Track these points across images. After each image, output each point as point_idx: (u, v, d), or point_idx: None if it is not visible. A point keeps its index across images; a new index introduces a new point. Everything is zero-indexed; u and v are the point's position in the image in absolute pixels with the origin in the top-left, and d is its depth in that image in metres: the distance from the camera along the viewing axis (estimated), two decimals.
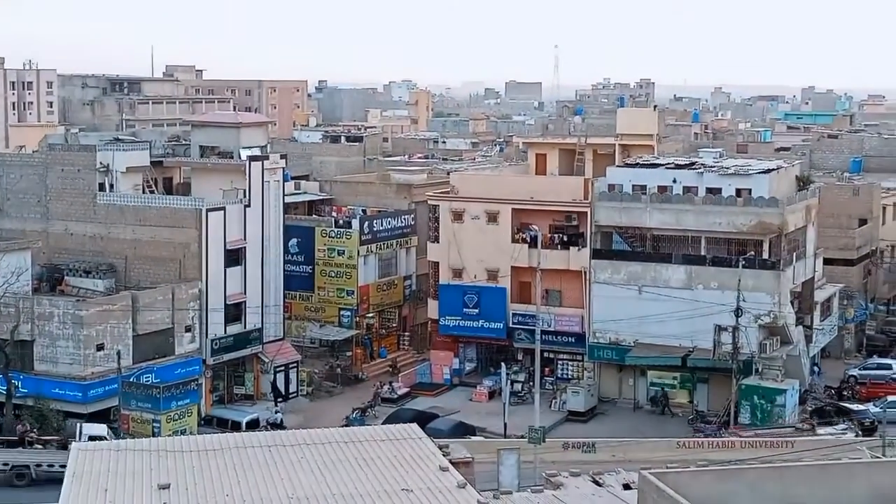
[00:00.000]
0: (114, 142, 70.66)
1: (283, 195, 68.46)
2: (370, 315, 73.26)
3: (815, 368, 69.18)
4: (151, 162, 67.46)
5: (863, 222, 79.88)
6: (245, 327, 64.27)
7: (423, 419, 52.01)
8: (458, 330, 69.08)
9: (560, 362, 67.82)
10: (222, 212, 62.68)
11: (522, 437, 51.99)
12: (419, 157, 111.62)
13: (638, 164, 70.22)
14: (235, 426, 56.11)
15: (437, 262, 70.33)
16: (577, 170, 77.93)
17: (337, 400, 66.21)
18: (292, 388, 65.98)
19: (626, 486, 32.87)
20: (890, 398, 61.47)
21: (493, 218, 68.58)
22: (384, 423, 51.19)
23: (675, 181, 65.53)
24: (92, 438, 48.99)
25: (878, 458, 37.11)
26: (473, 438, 53.63)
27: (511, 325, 67.82)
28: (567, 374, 67.41)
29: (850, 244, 78.18)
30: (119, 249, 63.15)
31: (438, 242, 70.28)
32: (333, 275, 72.75)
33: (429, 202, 72.05)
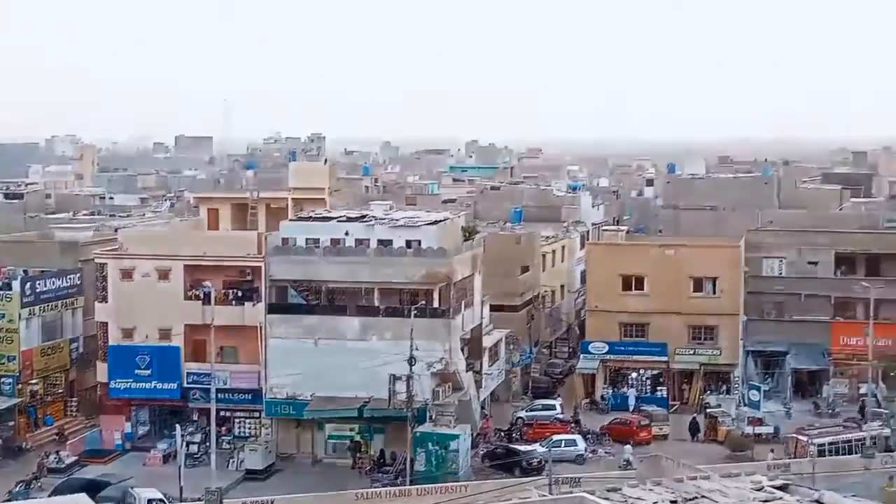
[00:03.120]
0: None
1: None
2: (34, 381, 69.49)
3: (485, 412, 71.62)
4: None
5: (525, 269, 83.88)
6: None
7: (93, 488, 49.76)
8: (130, 392, 66.71)
9: (237, 420, 66.82)
10: None
11: (199, 499, 50.77)
12: (85, 214, 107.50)
13: (311, 217, 70.80)
14: None
15: (106, 323, 67.78)
16: (250, 224, 77.59)
17: None
18: None
19: None
20: (555, 437, 64.66)
21: (164, 275, 66.95)
22: (51, 494, 48.59)
23: (347, 234, 66.45)
24: None
25: (545, 496, 38.76)
26: None
27: (186, 385, 66.29)
28: (245, 432, 66.49)
29: (514, 291, 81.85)
30: None
31: (107, 302, 67.79)
32: None
33: (96, 261, 69.44)
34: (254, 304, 66.15)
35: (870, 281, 75.36)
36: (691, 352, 75.94)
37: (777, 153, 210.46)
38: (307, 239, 66.17)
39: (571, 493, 33.51)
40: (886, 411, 69.36)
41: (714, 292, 76.12)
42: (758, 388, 68.50)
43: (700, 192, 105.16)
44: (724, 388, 75.89)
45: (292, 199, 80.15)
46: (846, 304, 78.98)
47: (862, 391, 74.32)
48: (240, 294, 67.10)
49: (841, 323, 77.81)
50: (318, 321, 64.36)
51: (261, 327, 65.44)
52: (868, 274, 78.96)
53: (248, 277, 67.51)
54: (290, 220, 71.86)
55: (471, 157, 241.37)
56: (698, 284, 76.37)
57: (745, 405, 70.31)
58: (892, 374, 75.24)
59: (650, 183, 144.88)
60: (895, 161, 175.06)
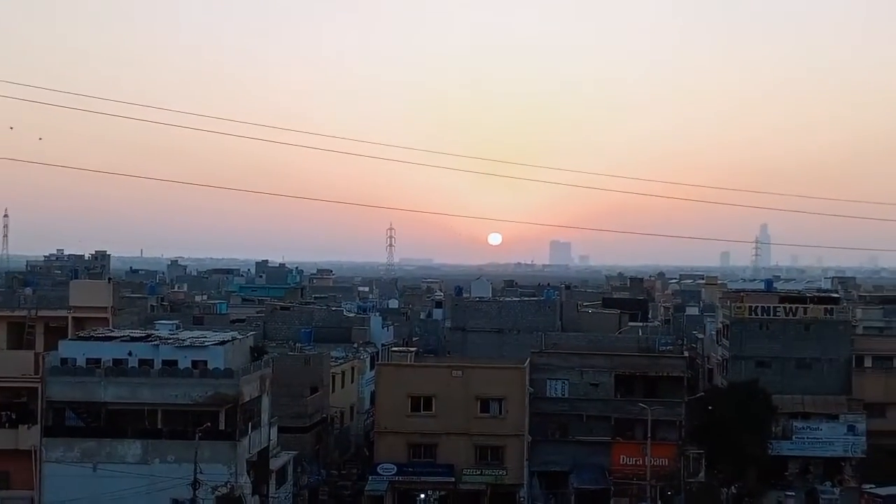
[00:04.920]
0: None
1: None
2: None
3: None
4: None
5: (314, 390, 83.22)
6: None
7: None
8: None
9: None
10: None
11: None
12: None
13: (92, 337, 68.71)
14: None
15: None
16: (27, 343, 74.62)
17: None
18: None
19: None
20: None
21: None
22: None
23: (131, 354, 64.80)
24: None
25: None
26: None
27: None
28: None
29: (303, 412, 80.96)
30: None
31: None
32: None
33: None
34: (28, 427, 63.30)
35: (647, 402, 78.17)
36: (478, 472, 76.58)
37: (555, 278, 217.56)
38: (88, 359, 64.19)
39: None
40: None
41: (500, 413, 77.33)
42: None
43: (487, 314, 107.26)
44: None
45: (73, 317, 77.57)
46: (626, 425, 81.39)
47: None
48: (14, 416, 64.17)
49: (621, 443, 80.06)
50: (97, 444, 62.16)
51: (35, 451, 62.60)
52: (646, 395, 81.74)
53: (23, 398, 64.70)
54: (70, 339, 69.54)
55: (261, 277, 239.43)
56: (485, 405, 77.42)
57: None
58: (668, 493, 77.73)
59: (439, 305, 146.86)
60: (668, 288, 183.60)
